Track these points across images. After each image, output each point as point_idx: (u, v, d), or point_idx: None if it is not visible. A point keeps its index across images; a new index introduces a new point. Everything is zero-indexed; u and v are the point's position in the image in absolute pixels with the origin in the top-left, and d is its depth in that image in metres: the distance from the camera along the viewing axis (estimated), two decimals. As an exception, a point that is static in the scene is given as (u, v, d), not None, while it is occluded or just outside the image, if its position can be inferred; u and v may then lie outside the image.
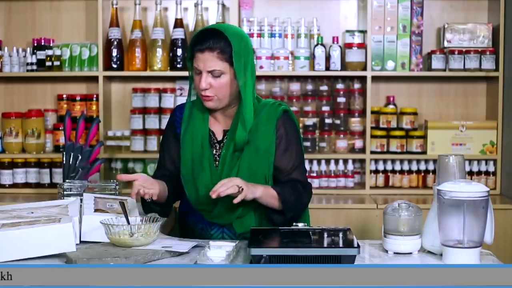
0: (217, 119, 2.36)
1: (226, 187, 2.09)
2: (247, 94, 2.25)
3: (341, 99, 3.81)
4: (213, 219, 2.32)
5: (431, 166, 3.75)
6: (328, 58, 3.72)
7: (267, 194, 2.21)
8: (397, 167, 3.77)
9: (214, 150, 2.33)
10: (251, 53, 2.27)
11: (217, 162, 2.31)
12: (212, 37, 2.20)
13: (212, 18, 3.82)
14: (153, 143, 3.78)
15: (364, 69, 3.73)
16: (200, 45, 2.20)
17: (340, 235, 1.99)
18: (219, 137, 2.34)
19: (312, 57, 3.74)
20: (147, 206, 2.32)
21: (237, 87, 2.24)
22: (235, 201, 2.11)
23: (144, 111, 3.83)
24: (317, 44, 3.71)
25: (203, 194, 2.28)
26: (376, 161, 3.77)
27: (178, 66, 3.70)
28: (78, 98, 3.81)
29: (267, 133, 2.28)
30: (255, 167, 2.28)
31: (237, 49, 2.20)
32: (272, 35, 3.80)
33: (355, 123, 3.82)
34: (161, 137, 3.77)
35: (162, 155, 2.45)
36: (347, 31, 3.77)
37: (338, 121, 3.81)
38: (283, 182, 2.31)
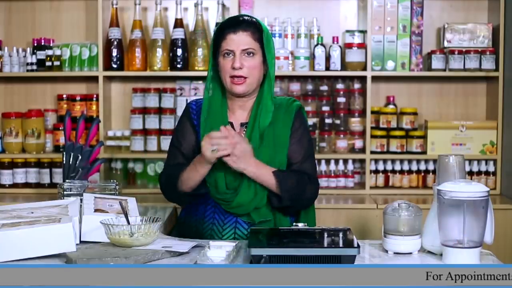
0: (235, 113, 2.41)
1: (224, 145, 2.18)
2: (273, 74, 2.37)
3: (341, 99, 3.81)
4: (231, 209, 2.33)
5: (431, 166, 3.75)
6: (328, 58, 3.72)
7: (258, 177, 2.27)
8: (397, 167, 3.77)
9: None
10: (272, 41, 2.40)
11: None
12: (243, 21, 2.34)
13: (212, 18, 3.82)
14: (153, 143, 3.78)
15: (364, 69, 3.73)
16: (232, 27, 2.32)
17: (340, 235, 1.99)
18: (237, 130, 2.38)
19: (312, 57, 3.74)
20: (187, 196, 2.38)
21: (262, 74, 2.36)
22: (218, 156, 2.21)
23: (144, 111, 3.83)
24: (317, 44, 3.71)
25: (223, 184, 2.31)
26: (376, 161, 3.77)
27: (178, 66, 3.70)
28: (78, 98, 3.81)
29: (284, 127, 2.36)
30: (272, 159, 2.33)
31: (266, 32, 2.35)
32: (272, 35, 3.79)
33: (355, 123, 3.82)
34: (161, 137, 3.78)
35: (178, 142, 2.44)
36: (347, 31, 3.77)
37: (338, 121, 3.81)
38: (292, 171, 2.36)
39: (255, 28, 2.33)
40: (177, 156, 2.43)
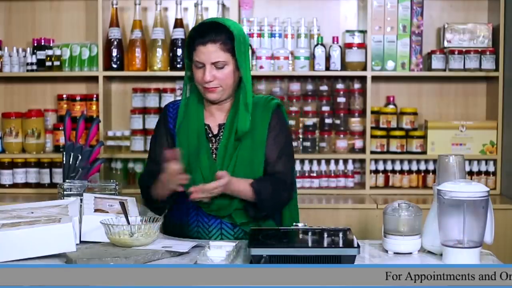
0: (212, 114, 2.37)
1: (205, 195, 2.18)
2: (248, 81, 2.30)
3: (341, 99, 3.81)
4: (212, 211, 2.31)
5: (431, 166, 3.75)
6: (328, 58, 3.72)
7: (241, 194, 2.26)
8: (397, 167, 3.77)
9: (210, 144, 2.34)
10: (248, 43, 2.34)
11: (214, 155, 2.32)
12: (213, 30, 2.24)
13: (212, 18, 3.82)
14: (153, 143, 3.78)
15: (364, 69, 3.73)
16: (201, 38, 2.24)
17: (340, 235, 1.99)
18: (215, 131, 2.36)
19: (312, 57, 3.74)
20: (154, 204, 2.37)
21: (237, 79, 2.30)
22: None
23: (144, 111, 3.83)
24: (317, 44, 3.71)
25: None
26: (376, 161, 3.77)
27: (178, 66, 3.70)
28: (78, 98, 3.81)
29: (262, 126, 2.32)
30: (251, 159, 2.30)
31: (238, 39, 2.24)
32: (272, 35, 3.80)
33: (355, 123, 3.82)
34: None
35: (154, 150, 2.43)
36: (347, 31, 3.77)
37: (338, 121, 3.81)
38: (268, 175, 2.33)
39: (226, 35, 2.23)
40: (151, 164, 2.44)
